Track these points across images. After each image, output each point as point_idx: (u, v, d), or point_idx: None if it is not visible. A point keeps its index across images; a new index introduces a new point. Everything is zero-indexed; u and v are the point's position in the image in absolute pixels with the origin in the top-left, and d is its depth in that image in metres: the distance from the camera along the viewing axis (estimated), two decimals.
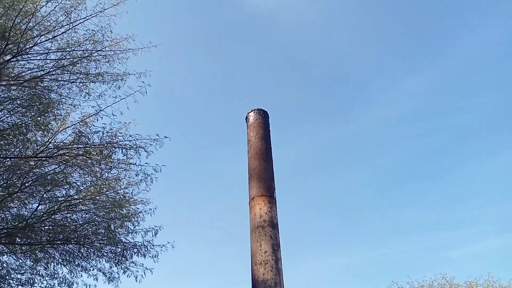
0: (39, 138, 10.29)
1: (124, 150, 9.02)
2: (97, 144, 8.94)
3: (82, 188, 10.38)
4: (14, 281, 10.20)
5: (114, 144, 8.98)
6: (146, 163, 9.33)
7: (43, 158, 8.95)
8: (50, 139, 9.66)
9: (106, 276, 10.51)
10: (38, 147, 9.66)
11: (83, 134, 9.64)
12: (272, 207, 3.34)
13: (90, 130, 8.97)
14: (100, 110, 8.59)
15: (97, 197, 10.40)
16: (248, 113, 4.35)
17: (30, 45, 7.98)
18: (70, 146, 8.91)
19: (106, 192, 10.44)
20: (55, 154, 8.85)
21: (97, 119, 8.68)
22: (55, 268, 10.67)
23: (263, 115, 4.26)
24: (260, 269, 2.88)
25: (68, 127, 8.89)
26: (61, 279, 10.19)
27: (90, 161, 9.23)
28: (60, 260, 10.73)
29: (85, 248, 10.12)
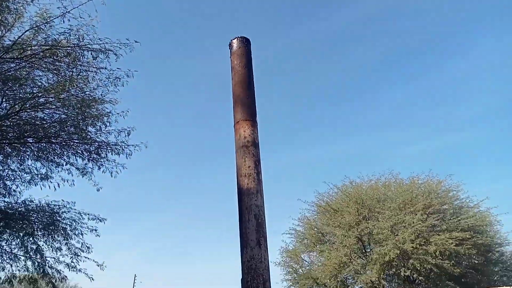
0: None
1: (93, 53, 8.97)
2: (64, 45, 8.78)
3: (47, 86, 10.37)
4: None
5: (82, 47, 8.87)
6: (118, 68, 9.40)
7: (7, 59, 8.75)
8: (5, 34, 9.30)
9: (79, 170, 11.15)
10: None
11: (42, 30, 9.34)
12: (254, 130, 4.01)
13: (56, 31, 8.71)
14: (67, 12, 8.27)
15: (64, 97, 10.51)
16: (231, 40, 4.70)
17: None
18: (36, 48, 8.70)
19: (74, 93, 10.55)
20: (20, 56, 8.65)
21: (63, 21, 8.40)
22: (28, 163, 11.11)
23: (246, 43, 4.63)
24: (244, 180, 3.67)
25: (33, 28, 8.52)
26: (37, 174, 10.74)
27: (57, 63, 9.14)
28: (31, 156, 11.16)
29: (59, 146, 10.56)
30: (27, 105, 10.57)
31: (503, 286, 11.13)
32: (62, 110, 10.76)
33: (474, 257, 16.11)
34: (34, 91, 10.52)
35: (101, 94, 10.41)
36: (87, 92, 10.68)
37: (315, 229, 18.84)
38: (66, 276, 10.49)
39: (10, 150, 11.38)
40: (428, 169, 23.66)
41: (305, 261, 19.01)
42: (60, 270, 10.37)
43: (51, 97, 10.53)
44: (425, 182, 18.35)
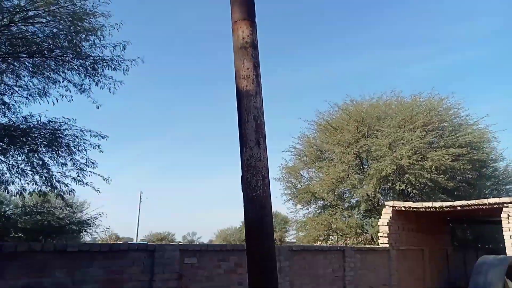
0: None
1: None
2: None
3: None
4: None
5: None
6: None
7: None
8: None
9: (77, 87, 10.99)
10: None
11: None
12: (253, 30, 3.80)
13: None
14: None
15: (54, 9, 10.04)
16: None
17: None
18: None
19: (64, 4, 10.05)
20: None
21: None
22: (25, 80, 10.93)
23: None
24: (243, 82, 3.56)
25: None
26: (35, 90, 10.61)
27: None
28: (27, 72, 10.94)
29: (53, 62, 10.31)
30: (16, 19, 10.14)
31: (492, 198, 11.65)
32: (53, 24, 10.35)
33: (468, 172, 16.63)
34: (22, 3, 10.02)
35: (93, 6, 9.92)
36: (78, 5, 10.20)
37: (314, 147, 19.20)
38: (73, 190, 10.91)
39: (4, 67, 11.14)
40: (430, 87, 23.32)
41: (304, 176, 19.69)
42: (68, 183, 10.76)
43: (41, 10, 10.08)
44: (427, 100, 18.25)
